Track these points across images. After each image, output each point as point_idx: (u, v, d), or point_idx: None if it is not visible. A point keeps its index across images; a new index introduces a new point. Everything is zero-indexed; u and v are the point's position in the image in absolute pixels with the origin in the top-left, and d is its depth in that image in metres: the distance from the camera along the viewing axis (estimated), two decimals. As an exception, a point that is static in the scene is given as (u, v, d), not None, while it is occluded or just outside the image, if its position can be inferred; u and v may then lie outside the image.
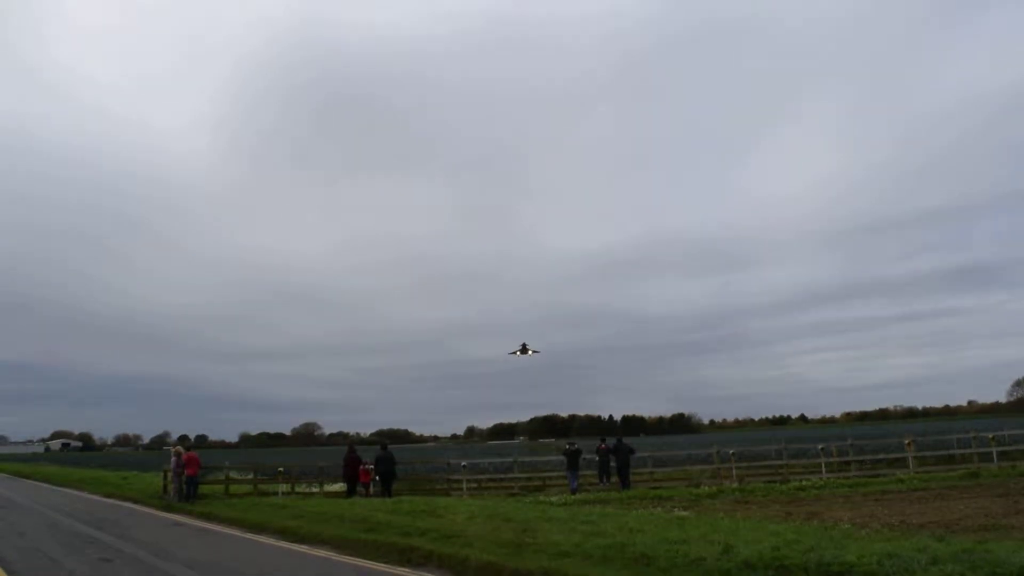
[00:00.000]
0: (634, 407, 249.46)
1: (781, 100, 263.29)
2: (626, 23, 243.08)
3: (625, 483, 25.90)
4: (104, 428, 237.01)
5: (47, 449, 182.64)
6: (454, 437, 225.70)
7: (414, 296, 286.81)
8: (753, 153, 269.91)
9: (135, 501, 26.08)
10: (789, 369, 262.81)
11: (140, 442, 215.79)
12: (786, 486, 23.62)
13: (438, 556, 11.41)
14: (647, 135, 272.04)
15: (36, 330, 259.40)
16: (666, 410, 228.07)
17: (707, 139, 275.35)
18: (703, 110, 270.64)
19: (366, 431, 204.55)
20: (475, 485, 29.00)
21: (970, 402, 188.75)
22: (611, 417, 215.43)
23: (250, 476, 30.55)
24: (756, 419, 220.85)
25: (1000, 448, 28.33)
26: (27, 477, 50.13)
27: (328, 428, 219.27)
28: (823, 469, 27.53)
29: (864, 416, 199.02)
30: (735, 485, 24.77)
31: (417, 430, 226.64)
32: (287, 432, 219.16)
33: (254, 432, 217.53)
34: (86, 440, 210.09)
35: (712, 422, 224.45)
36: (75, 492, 33.04)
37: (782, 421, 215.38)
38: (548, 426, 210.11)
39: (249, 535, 15.94)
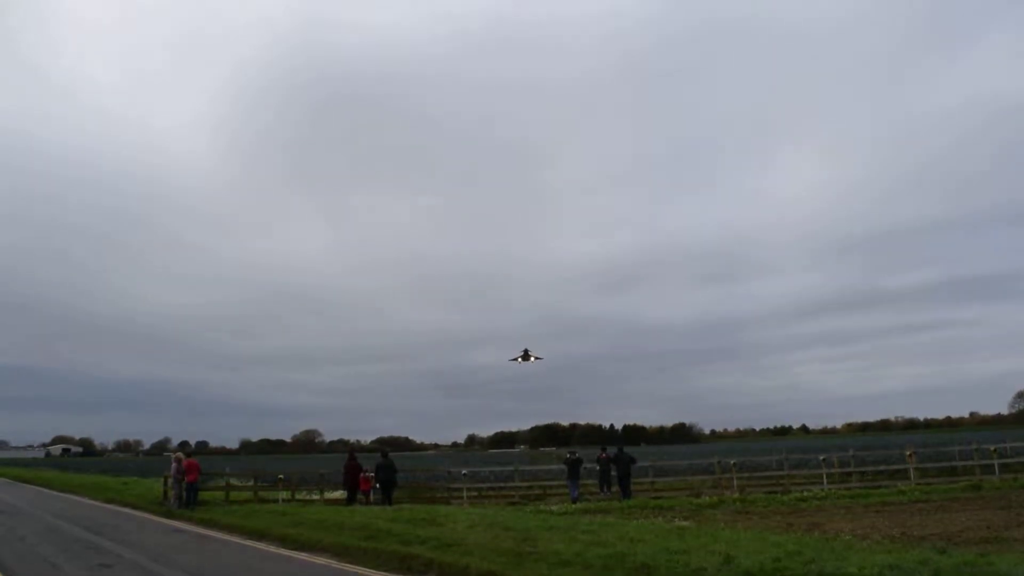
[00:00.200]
0: (635, 416, 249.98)
1: (784, 109, 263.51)
2: (627, 26, 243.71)
3: (626, 493, 25.85)
4: (105, 433, 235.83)
5: (48, 454, 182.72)
6: (455, 445, 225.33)
7: (415, 303, 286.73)
8: (755, 161, 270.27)
9: (135, 507, 26.06)
10: (791, 379, 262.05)
11: (141, 448, 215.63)
12: (787, 497, 23.59)
13: (438, 564, 11.40)
14: (650, 141, 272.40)
15: (36, 334, 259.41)
16: (667, 419, 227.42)
17: (709, 145, 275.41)
18: (705, 116, 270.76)
19: (367, 438, 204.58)
20: (475, 493, 29.00)
21: (972, 413, 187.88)
22: (612, 426, 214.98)
23: (250, 483, 30.50)
24: (757, 429, 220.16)
25: (1002, 460, 28.27)
26: (27, 482, 50.11)
27: (329, 435, 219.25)
28: (824, 480, 27.48)
29: (866, 427, 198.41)
30: (736, 495, 24.71)
31: (418, 438, 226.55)
32: (288, 439, 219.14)
33: (255, 438, 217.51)
34: (87, 445, 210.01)
35: (713, 432, 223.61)
36: (75, 497, 33.02)
37: (783, 431, 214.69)
38: (549, 435, 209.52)
39: (249, 542, 15.92)
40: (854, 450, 33.36)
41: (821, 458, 29.75)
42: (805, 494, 24.03)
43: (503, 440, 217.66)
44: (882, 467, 30.81)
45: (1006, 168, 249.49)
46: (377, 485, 25.05)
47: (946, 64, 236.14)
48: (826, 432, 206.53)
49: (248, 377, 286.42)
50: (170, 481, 25.35)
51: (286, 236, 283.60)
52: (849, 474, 29.37)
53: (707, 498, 24.05)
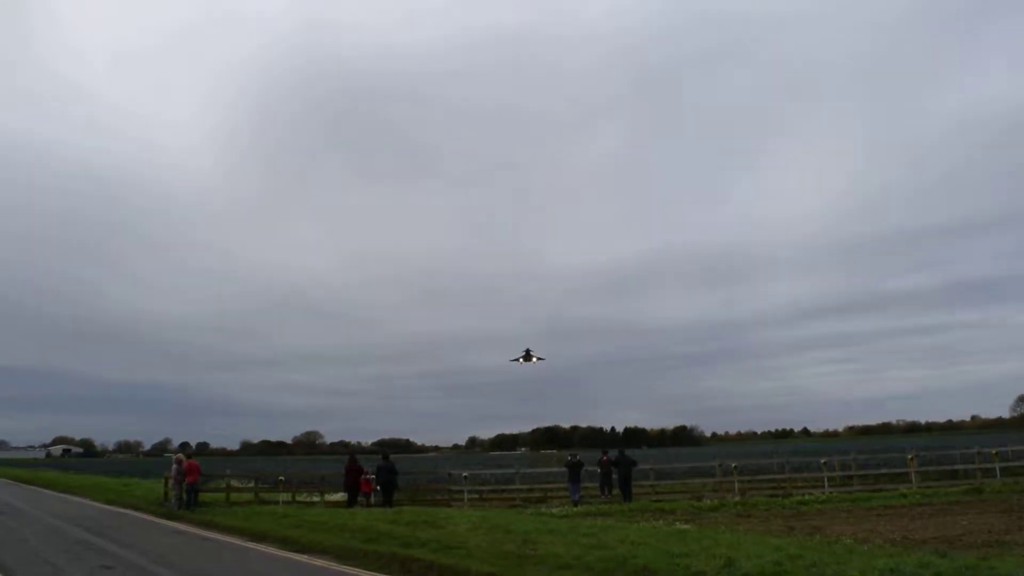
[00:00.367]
0: (636, 419, 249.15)
1: (784, 116, 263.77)
2: (629, 41, 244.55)
3: (627, 495, 25.82)
4: (105, 434, 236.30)
5: (48, 455, 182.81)
6: (456, 447, 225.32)
7: (417, 306, 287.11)
8: (756, 167, 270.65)
9: (136, 508, 26.05)
10: (792, 382, 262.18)
11: (141, 449, 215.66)
12: (788, 500, 23.55)
13: (439, 567, 11.39)
14: (650, 149, 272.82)
15: (39, 335, 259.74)
16: (668, 422, 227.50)
17: (710, 153, 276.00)
18: (706, 125, 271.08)
19: (367, 440, 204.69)
20: (476, 496, 28.94)
21: (973, 417, 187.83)
22: (613, 429, 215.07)
23: (251, 484, 30.48)
24: (759, 432, 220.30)
25: (1003, 464, 28.18)
26: (28, 483, 50.11)
27: (329, 437, 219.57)
28: (825, 483, 27.40)
29: (867, 430, 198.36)
30: (737, 499, 24.68)
31: (418, 440, 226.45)
32: (288, 440, 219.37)
33: (255, 440, 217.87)
34: (87, 446, 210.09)
35: (714, 435, 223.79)
36: (76, 498, 33.01)
37: (785, 434, 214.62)
38: (550, 437, 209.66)
39: (250, 544, 15.91)
40: (855, 453, 33.30)
41: (822, 461, 29.70)
42: (806, 497, 23.97)
43: (504, 442, 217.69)
44: (883, 470, 30.75)
45: (1007, 171, 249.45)
46: (378, 487, 25.05)
47: (949, 68, 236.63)
48: (827, 435, 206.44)
49: (249, 379, 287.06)
50: (170, 482, 25.36)
51: (286, 238, 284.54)
52: (850, 477, 29.29)
53: (708, 501, 24.02)
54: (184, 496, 24.13)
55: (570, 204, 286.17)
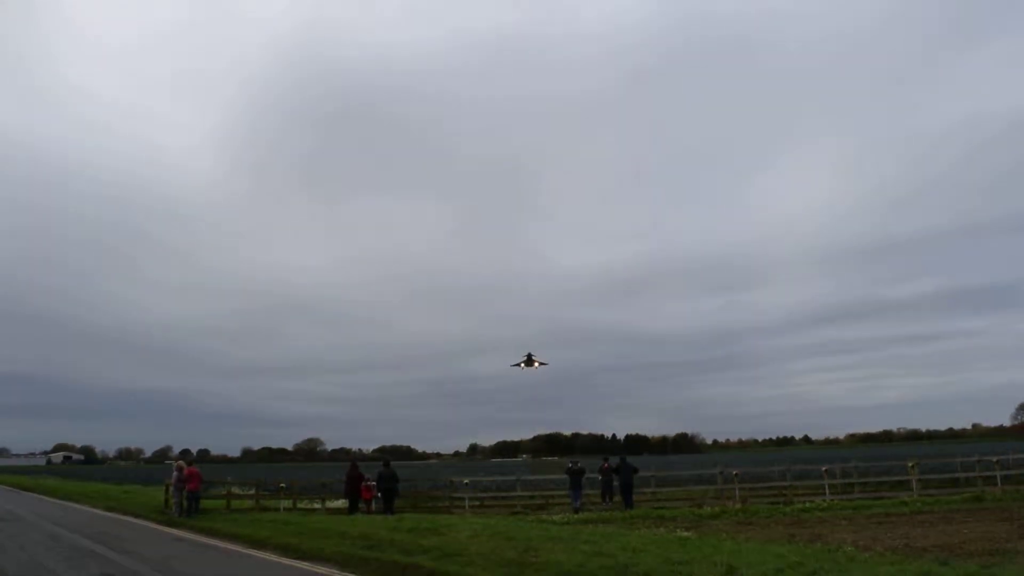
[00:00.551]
0: (637, 426, 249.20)
1: (785, 120, 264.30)
2: (631, 42, 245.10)
3: (628, 503, 25.82)
4: (106, 441, 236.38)
5: (49, 462, 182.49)
6: (457, 454, 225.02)
7: (417, 312, 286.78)
8: (757, 172, 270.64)
9: (136, 515, 26.03)
10: (793, 389, 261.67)
11: (142, 456, 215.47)
12: (789, 508, 23.55)
13: (440, 574, 11.41)
14: (651, 153, 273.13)
15: (38, 342, 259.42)
16: (669, 429, 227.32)
17: (711, 158, 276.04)
18: (707, 129, 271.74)
19: (368, 447, 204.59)
20: (477, 503, 28.93)
21: (974, 425, 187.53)
22: (614, 436, 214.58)
23: (252, 491, 30.49)
24: (760, 439, 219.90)
25: (1004, 472, 28.18)
26: (29, 490, 50.04)
27: (330, 444, 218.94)
28: (827, 491, 27.40)
29: (868, 438, 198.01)
30: (738, 506, 24.67)
31: (419, 447, 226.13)
32: (289, 447, 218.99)
33: (256, 447, 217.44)
34: (88, 453, 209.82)
35: (716, 442, 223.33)
36: (76, 505, 32.99)
37: (786, 442, 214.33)
38: (551, 444, 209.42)
39: (251, 551, 15.91)
40: (856, 461, 33.26)
41: (824, 469, 29.67)
42: (807, 505, 23.97)
43: (505, 449, 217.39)
44: (884, 478, 30.71)
45: (1008, 178, 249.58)
46: (379, 494, 25.05)
47: (951, 75, 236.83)
48: (828, 443, 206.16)
49: (250, 386, 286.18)
50: (171, 489, 25.37)
51: (288, 246, 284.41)
52: (851, 485, 29.28)
53: (709, 508, 23.99)
54: (185, 503, 24.13)
55: (571, 207, 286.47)
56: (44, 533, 20.15)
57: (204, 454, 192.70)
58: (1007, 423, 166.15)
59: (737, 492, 27.26)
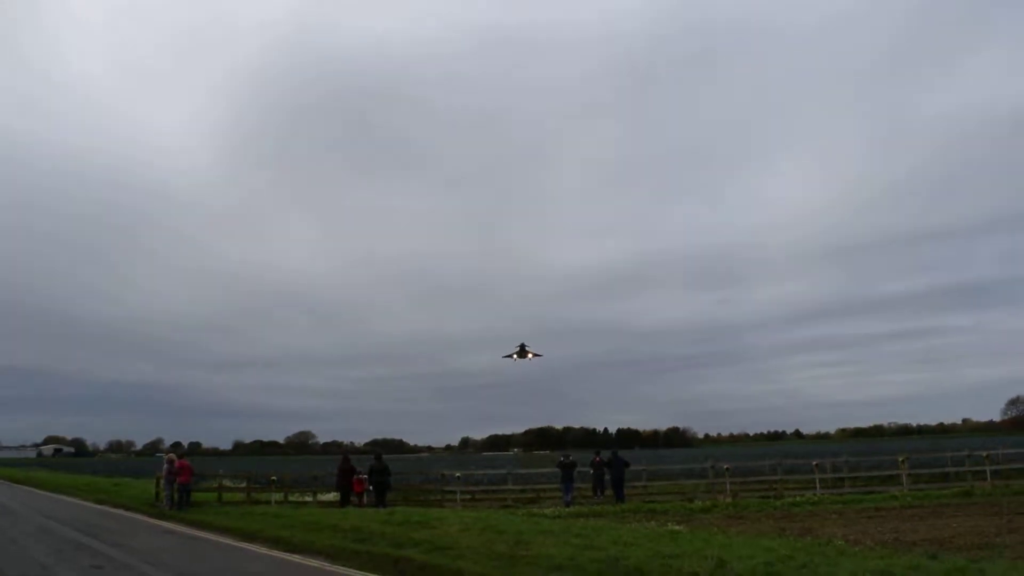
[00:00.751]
0: (629, 420, 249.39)
1: (779, 116, 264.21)
2: (624, 40, 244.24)
3: (619, 496, 25.89)
4: (97, 434, 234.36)
5: (39, 454, 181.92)
6: (448, 448, 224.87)
7: (409, 305, 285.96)
8: (750, 166, 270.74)
9: (127, 508, 25.94)
10: (785, 384, 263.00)
11: (133, 448, 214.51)
12: (780, 502, 23.67)
13: (431, 567, 11.39)
14: (643, 150, 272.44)
15: (30, 335, 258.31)
16: (661, 424, 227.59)
17: (704, 154, 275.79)
18: (700, 125, 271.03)
19: (360, 441, 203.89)
20: (469, 496, 28.94)
21: (965, 420, 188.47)
22: (606, 430, 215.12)
23: (243, 484, 30.42)
24: (751, 434, 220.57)
25: (994, 466, 28.33)
26: (19, 483, 49.84)
27: (322, 437, 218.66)
28: (817, 485, 27.51)
29: (859, 432, 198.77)
30: (729, 500, 24.77)
31: (411, 440, 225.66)
32: (281, 440, 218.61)
33: (248, 440, 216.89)
34: (79, 446, 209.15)
35: (707, 436, 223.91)
36: (67, 498, 32.86)
37: (777, 436, 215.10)
38: (543, 438, 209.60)
39: (242, 544, 15.86)
40: (847, 455, 33.40)
41: (814, 463, 29.80)
42: (798, 499, 24.06)
43: (497, 443, 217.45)
44: (875, 473, 30.88)
45: (998, 176, 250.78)
46: (370, 487, 25.04)
47: (939, 72, 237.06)
48: (819, 437, 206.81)
49: (241, 378, 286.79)
50: (162, 482, 25.29)
51: (280, 237, 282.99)
52: (842, 479, 29.42)
53: (700, 502, 24.10)
54: (176, 496, 24.06)
55: (565, 205, 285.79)
56: (35, 526, 20.06)
57: (195, 447, 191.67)
58: (997, 418, 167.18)
59: (728, 486, 27.35)
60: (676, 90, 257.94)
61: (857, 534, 15.32)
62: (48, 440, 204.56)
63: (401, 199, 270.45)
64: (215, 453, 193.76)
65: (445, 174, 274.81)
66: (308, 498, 28.80)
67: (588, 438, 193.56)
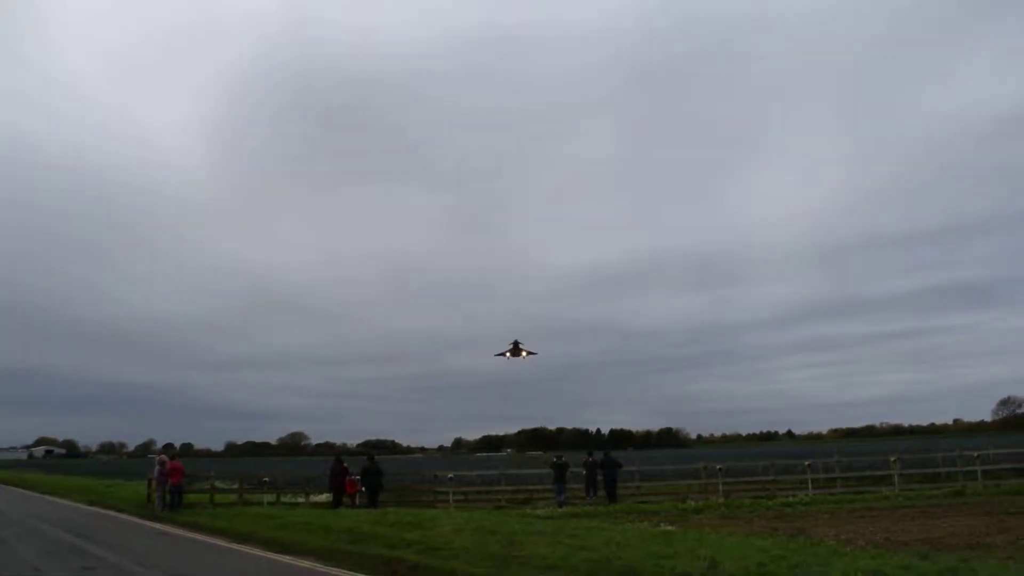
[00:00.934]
0: (622, 421, 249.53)
1: (773, 116, 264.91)
2: (618, 43, 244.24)
3: (612, 497, 25.92)
4: (88, 435, 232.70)
5: (30, 456, 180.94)
6: (441, 449, 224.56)
7: (402, 307, 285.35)
8: (744, 169, 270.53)
9: (119, 510, 25.84)
10: (777, 385, 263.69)
11: (125, 450, 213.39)
12: (772, 502, 23.72)
13: (424, 568, 11.38)
14: (639, 151, 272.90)
15: (20, 335, 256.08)
16: (654, 424, 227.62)
17: (699, 154, 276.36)
18: (696, 126, 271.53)
19: (353, 442, 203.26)
20: (461, 497, 28.94)
21: (956, 420, 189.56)
22: (599, 431, 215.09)
23: (236, 485, 30.31)
24: (744, 435, 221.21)
25: (985, 467, 28.52)
26: (10, 484, 49.57)
27: (315, 438, 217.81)
28: (809, 485, 27.63)
29: (851, 433, 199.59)
30: (722, 500, 24.85)
31: (404, 441, 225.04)
32: (273, 441, 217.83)
33: (240, 441, 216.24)
34: (70, 447, 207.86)
35: (700, 437, 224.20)
36: (58, 500, 32.71)
37: (769, 437, 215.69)
38: (536, 439, 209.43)
39: (234, 545, 15.81)
40: (839, 456, 33.54)
41: (806, 463, 29.93)
42: (790, 499, 24.15)
43: (490, 444, 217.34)
44: (866, 473, 31.03)
45: (989, 177, 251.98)
46: (363, 488, 24.99)
47: (928, 73, 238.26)
48: (812, 438, 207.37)
49: (234, 380, 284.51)
50: (154, 484, 25.18)
51: (274, 238, 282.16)
52: (834, 480, 29.54)
53: (693, 503, 24.15)
54: (168, 497, 23.94)
55: (558, 205, 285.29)
56: (25, 528, 19.96)
57: (187, 448, 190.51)
58: (988, 418, 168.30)
59: (720, 487, 27.43)
60: (673, 91, 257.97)
61: (849, 534, 15.39)
62: (39, 441, 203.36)
63: (395, 197, 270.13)
64: (207, 454, 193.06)
65: (439, 172, 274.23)
66: (301, 499, 28.70)
67: (581, 439, 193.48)
